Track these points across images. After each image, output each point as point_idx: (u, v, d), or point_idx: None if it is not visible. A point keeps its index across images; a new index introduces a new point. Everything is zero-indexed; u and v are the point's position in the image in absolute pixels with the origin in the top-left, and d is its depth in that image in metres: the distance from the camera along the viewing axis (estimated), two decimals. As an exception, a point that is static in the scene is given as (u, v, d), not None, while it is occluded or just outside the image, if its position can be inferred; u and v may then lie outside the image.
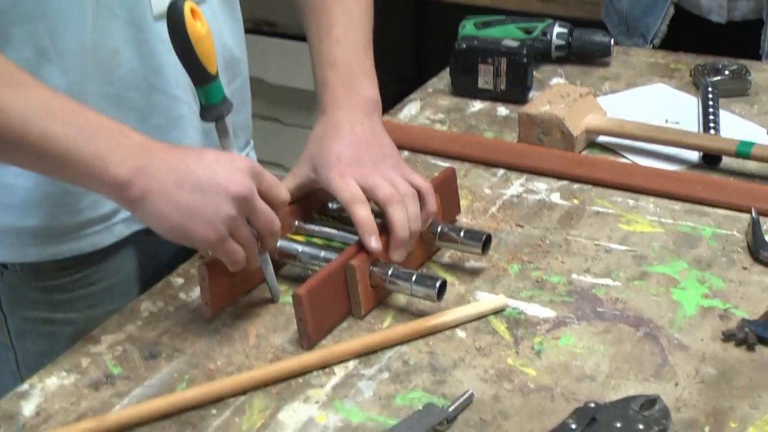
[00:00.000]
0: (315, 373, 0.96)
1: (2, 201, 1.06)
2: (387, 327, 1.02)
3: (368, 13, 1.19)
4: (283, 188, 0.99)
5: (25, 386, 0.94)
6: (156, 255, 1.19)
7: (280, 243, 1.05)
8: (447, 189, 1.16)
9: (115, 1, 1.04)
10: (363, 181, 1.05)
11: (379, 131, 1.12)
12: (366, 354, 0.98)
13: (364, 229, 1.03)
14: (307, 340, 0.98)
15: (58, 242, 1.09)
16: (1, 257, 1.09)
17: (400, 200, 1.04)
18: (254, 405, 0.92)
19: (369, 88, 1.14)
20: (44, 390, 0.94)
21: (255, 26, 2.62)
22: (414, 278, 1.01)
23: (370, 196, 1.05)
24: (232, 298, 1.05)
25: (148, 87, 1.09)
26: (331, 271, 1.01)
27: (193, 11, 0.96)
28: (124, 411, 0.89)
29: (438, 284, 1.00)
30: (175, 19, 0.96)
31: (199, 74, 0.99)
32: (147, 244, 1.16)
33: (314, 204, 1.14)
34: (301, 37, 2.73)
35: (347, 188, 1.05)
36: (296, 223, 1.11)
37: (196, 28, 0.96)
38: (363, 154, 1.08)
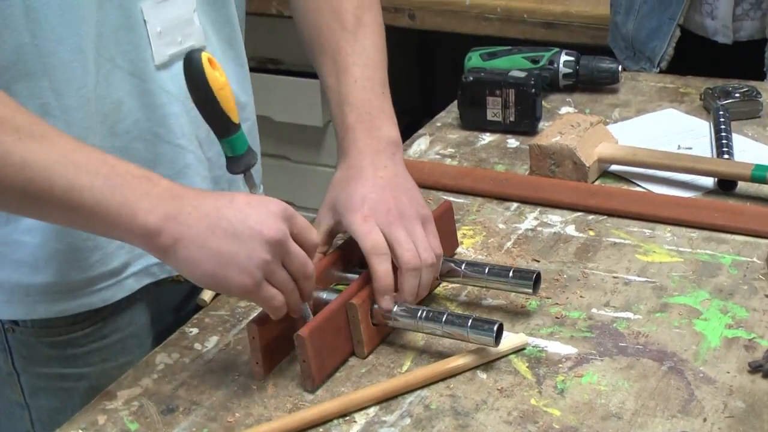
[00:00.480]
0: (335, 421, 0.94)
1: (11, 258, 1.05)
2: (406, 370, 1.00)
3: (383, 52, 1.17)
4: (314, 231, 0.97)
5: (41, 447, 0.93)
6: (169, 305, 1.17)
7: (324, 295, 1.03)
8: (445, 223, 1.15)
9: (117, 52, 1.03)
10: (387, 230, 1.03)
11: (403, 174, 1.11)
12: (386, 400, 0.96)
13: (380, 285, 1.01)
14: (311, 381, 0.97)
15: (68, 299, 1.07)
16: (11, 314, 1.08)
17: (418, 268, 1.02)
18: (275, 457, 0.90)
19: (389, 128, 1.13)
20: (61, 450, 0.93)
21: (260, 64, 2.62)
22: (470, 323, 0.98)
23: (391, 250, 1.03)
24: (283, 356, 1.02)
25: (152, 137, 1.08)
26: (333, 310, 0.99)
27: (210, 61, 0.94)
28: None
29: (495, 328, 0.97)
30: (193, 71, 0.94)
31: (223, 125, 0.97)
32: (159, 295, 1.15)
33: (356, 253, 1.09)
34: (307, 74, 2.74)
35: (369, 236, 1.03)
36: (337, 273, 1.08)
37: (215, 77, 0.94)
38: (388, 198, 1.06)
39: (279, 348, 1.00)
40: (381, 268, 1.01)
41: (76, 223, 0.94)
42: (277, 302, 0.94)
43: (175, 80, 1.08)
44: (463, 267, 1.08)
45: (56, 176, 0.88)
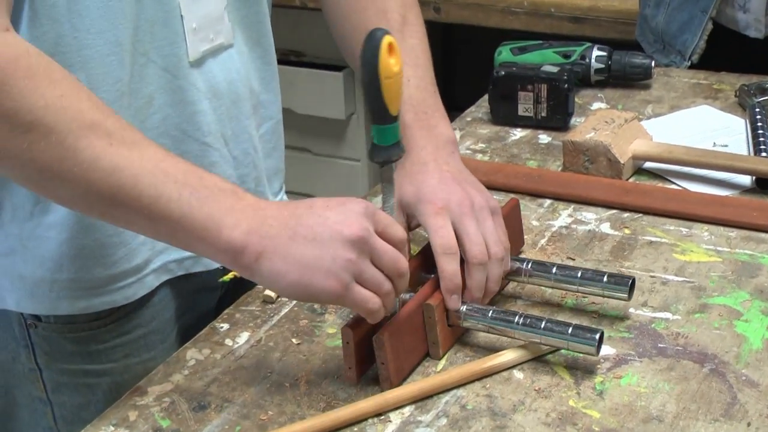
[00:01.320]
0: (370, 420, 0.92)
1: (35, 253, 1.04)
2: (441, 369, 0.98)
3: (428, 50, 1.16)
4: (399, 226, 0.94)
5: (72, 443, 0.92)
6: (191, 301, 1.16)
7: (406, 296, 1.00)
8: (512, 221, 1.13)
9: (152, 47, 1.02)
10: (458, 221, 1.01)
11: (465, 170, 1.09)
12: (422, 399, 0.94)
13: (447, 284, 0.99)
14: (388, 383, 0.95)
15: (91, 295, 1.06)
16: (33, 309, 1.06)
17: (484, 262, 1.01)
18: (310, 457, 0.89)
19: (445, 127, 1.11)
20: (92, 446, 0.91)
21: (282, 56, 2.58)
22: (570, 331, 0.95)
23: (460, 242, 1.01)
24: (372, 360, 0.97)
25: (179, 134, 1.06)
26: (410, 311, 0.97)
27: (390, 46, 0.91)
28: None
29: (597, 337, 0.95)
30: (369, 51, 0.91)
31: (379, 112, 0.94)
32: (182, 290, 1.13)
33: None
34: (330, 66, 2.72)
35: (440, 232, 1.00)
36: (423, 275, 1.05)
37: (388, 64, 0.91)
38: (458, 189, 1.03)
39: (369, 352, 0.96)
40: (449, 267, 0.99)
41: (159, 233, 0.91)
42: (372, 304, 0.90)
43: (205, 77, 1.07)
44: (554, 270, 1.05)
45: (144, 185, 0.86)
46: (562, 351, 1.00)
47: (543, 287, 1.08)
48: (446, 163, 1.07)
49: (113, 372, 1.09)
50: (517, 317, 0.98)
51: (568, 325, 0.96)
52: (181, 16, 1.02)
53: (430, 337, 0.99)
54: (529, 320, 0.97)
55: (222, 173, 1.10)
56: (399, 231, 0.93)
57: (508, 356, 0.98)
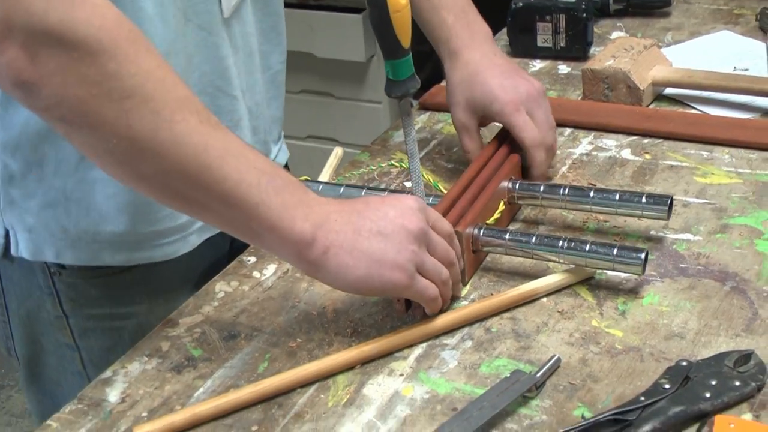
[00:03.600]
0: (397, 344, 0.94)
1: (79, 205, 1.03)
2: (465, 294, 1.00)
3: None
4: (445, 221, 0.97)
5: (108, 373, 0.94)
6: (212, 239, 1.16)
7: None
8: (517, 148, 1.15)
9: (189, 6, 1.00)
10: (531, 113, 1.12)
11: (508, 58, 1.18)
12: (453, 330, 0.96)
13: (540, 172, 1.12)
14: (420, 310, 0.96)
15: (133, 249, 1.06)
16: (73, 260, 1.06)
17: (553, 146, 1.15)
18: (338, 381, 0.91)
19: (482, 23, 1.18)
20: (127, 376, 0.94)
21: (302, 0, 2.60)
22: (616, 252, 0.95)
23: None
24: None
25: (215, 90, 1.06)
26: None
27: None
28: (210, 402, 0.87)
29: (643, 256, 0.95)
30: None
31: (392, 47, 0.96)
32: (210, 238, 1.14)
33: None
34: (349, 9, 2.70)
35: (526, 127, 1.12)
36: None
37: None
38: (521, 81, 1.13)
39: None
40: (541, 157, 1.12)
41: (229, 220, 0.88)
42: (432, 291, 0.92)
43: (230, 32, 1.06)
44: (591, 194, 1.06)
45: (230, 167, 0.85)
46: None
47: (563, 213, 1.10)
48: (494, 55, 1.16)
49: (138, 314, 1.10)
50: (561, 241, 0.98)
51: (613, 246, 0.97)
52: None
53: None
54: (573, 243, 0.98)
55: (245, 126, 1.11)
56: (446, 225, 0.96)
57: (539, 284, 0.98)
